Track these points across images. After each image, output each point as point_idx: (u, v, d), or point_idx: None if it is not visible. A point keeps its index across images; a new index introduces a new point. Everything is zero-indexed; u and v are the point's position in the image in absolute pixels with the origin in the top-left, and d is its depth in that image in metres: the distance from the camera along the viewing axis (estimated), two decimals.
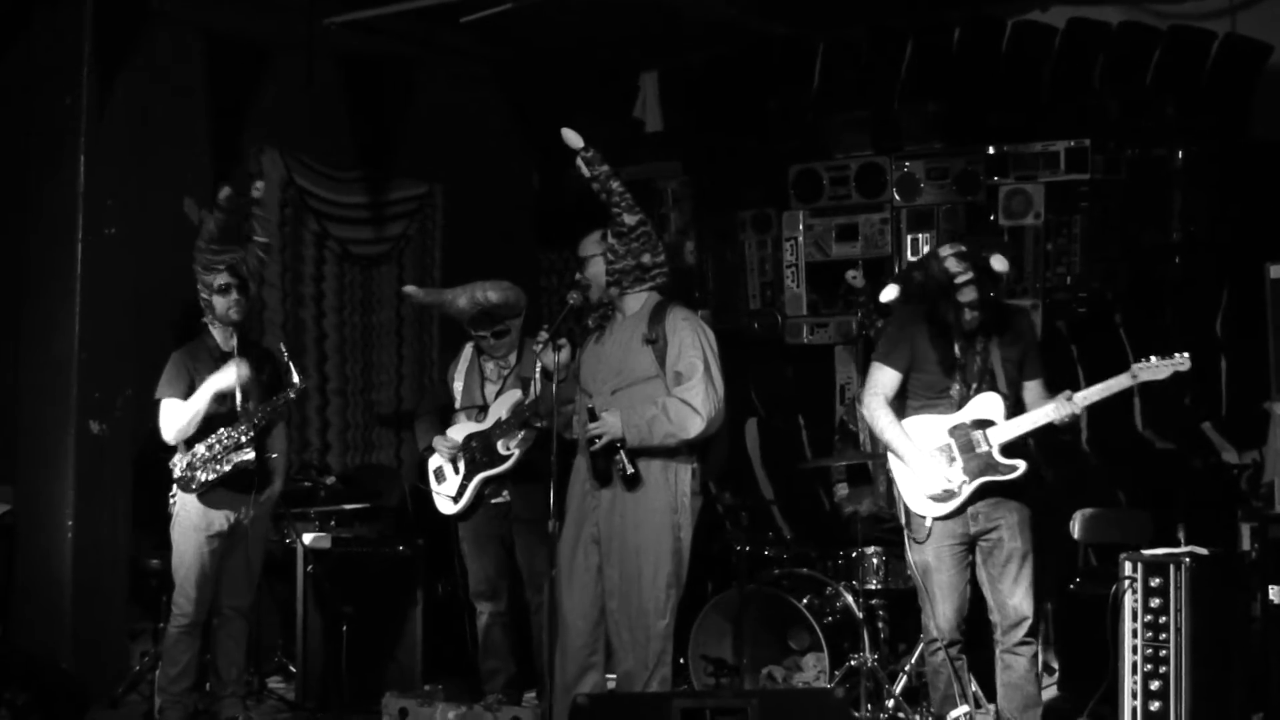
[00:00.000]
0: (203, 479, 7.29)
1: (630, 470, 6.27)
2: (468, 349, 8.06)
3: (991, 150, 9.01)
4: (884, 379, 6.76)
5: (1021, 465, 6.53)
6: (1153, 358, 6.47)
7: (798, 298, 9.76)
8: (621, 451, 6.27)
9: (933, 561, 6.69)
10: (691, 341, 6.39)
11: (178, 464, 7.36)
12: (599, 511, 6.37)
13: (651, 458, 6.31)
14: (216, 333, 7.42)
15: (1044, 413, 6.52)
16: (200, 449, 7.32)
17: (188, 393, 7.31)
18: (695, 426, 6.31)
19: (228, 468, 7.28)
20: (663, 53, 10.51)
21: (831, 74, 9.91)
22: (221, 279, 7.29)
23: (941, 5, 9.45)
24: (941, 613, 6.68)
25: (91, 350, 8.17)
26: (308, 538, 8.39)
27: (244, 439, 7.30)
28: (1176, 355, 6.44)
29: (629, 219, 6.45)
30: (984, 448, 6.56)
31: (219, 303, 7.34)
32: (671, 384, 6.36)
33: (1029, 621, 6.56)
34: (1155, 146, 8.74)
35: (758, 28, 9.93)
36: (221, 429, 7.31)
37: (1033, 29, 9.18)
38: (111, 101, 8.33)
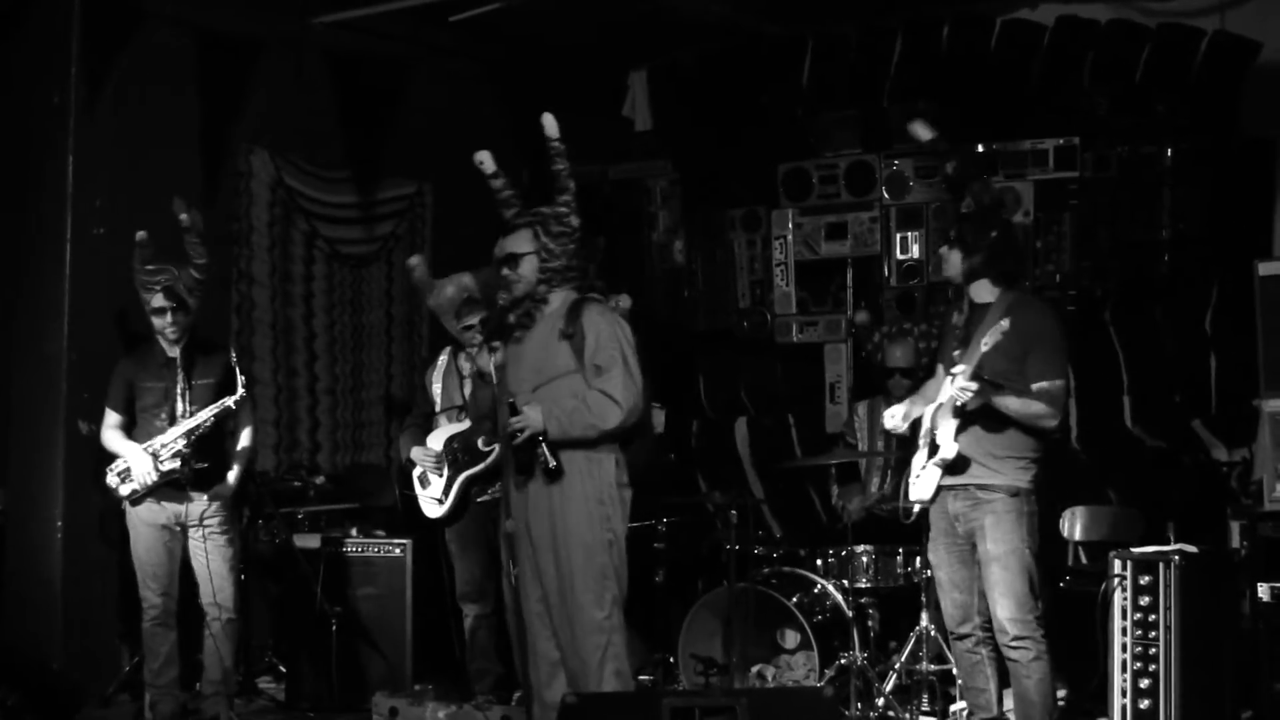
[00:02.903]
0: (128, 490, 7.43)
1: (553, 463, 6.26)
2: (444, 354, 8.07)
3: (981, 148, 9.02)
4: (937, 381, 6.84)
5: (948, 450, 6.46)
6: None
7: (787, 296, 9.79)
8: (544, 444, 6.27)
9: (932, 559, 6.80)
10: (609, 335, 6.38)
11: (109, 473, 7.49)
12: (527, 509, 6.37)
13: (574, 449, 6.31)
14: (162, 341, 7.54)
15: (944, 396, 6.49)
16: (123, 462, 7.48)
17: (125, 402, 7.54)
18: (614, 417, 6.30)
19: (155, 478, 7.39)
20: (652, 51, 10.51)
21: (821, 72, 9.91)
22: (157, 300, 7.42)
23: (931, 3, 9.45)
24: (944, 607, 6.81)
25: (80, 351, 8.17)
26: (298, 538, 8.39)
27: (178, 446, 7.37)
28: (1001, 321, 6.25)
29: (575, 221, 6.49)
30: (933, 431, 6.61)
31: (156, 322, 7.47)
32: (590, 377, 6.35)
33: (1010, 628, 6.50)
34: (1144, 144, 8.75)
35: (747, 25, 9.93)
36: (157, 438, 7.42)
37: (1022, 27, 9.18)
38: (100, 101, 8.32)
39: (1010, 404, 6.41)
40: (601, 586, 6.30)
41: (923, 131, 6.88)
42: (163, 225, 8.68)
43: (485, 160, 6.49)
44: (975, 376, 6.32)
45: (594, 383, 6.33)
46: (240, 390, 7.39)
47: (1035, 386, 6.43)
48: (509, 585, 6.31)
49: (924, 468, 6.63)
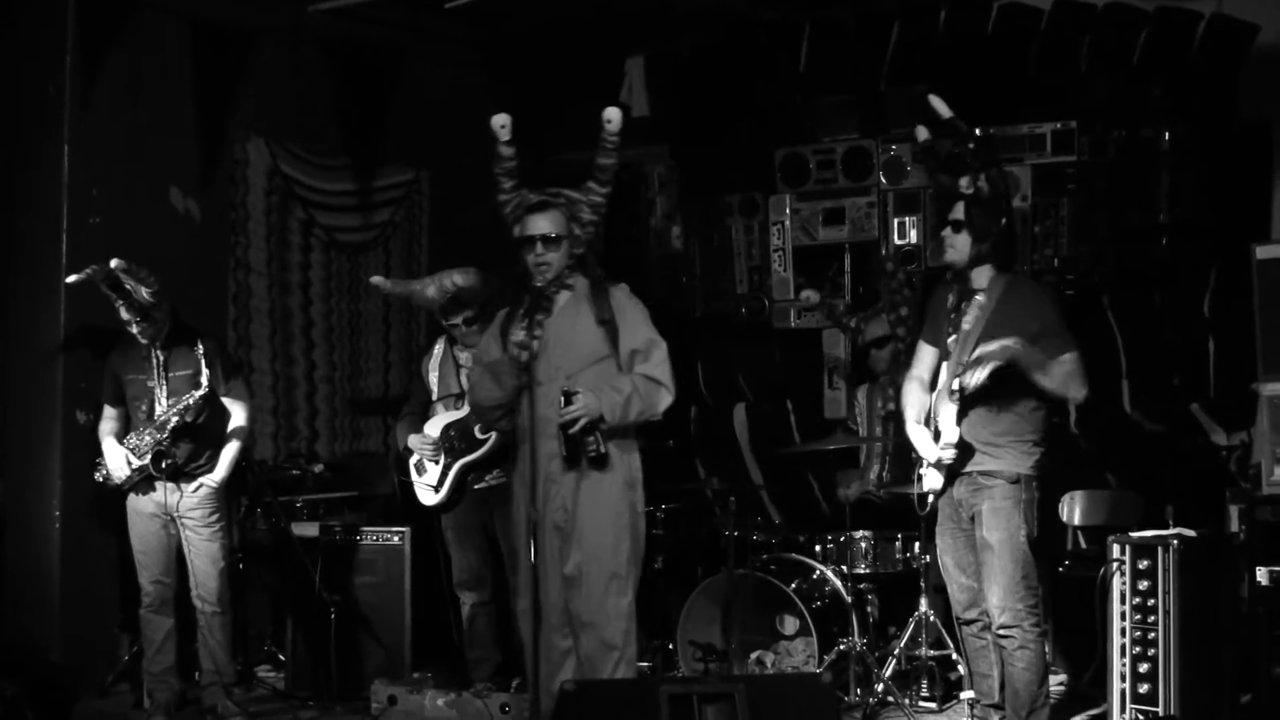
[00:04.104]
0: (113, 484, 7.54)
1: (603, 450, 6.24)
2: (440, 343, 8.07)
3: (978, 132, 8.97)
4: (919, 354, 6.83)
5: (950, 435, 6.44)
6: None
7: (785, 282, 9.76)
8: (597, 432, 6.23)
9: (939, 544, 6.78)
10: (642, 319, 6.42)
11: (97, 466, 7.61)
12: (561, 496, 6.31)
13: (609, 438, 6.29)
14: None
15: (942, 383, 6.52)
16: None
17: (116, 395, 7.61)
18: (664, 401, 6.35)
19: (127, 473, 7.48)
20: (649, 37, 10.48)
21: (817, 57, 9.89)
22: (123, 313, 7.43)
23: None
24: (950, 592, 6.80)
25: (77, 340, 8.16)
26: (296, 526, 8.39)
27: (154, 441, 7.44)
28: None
29: (604, 213, 6.47)
30: (939, 417, 6.59)
31: (131, 328, 7.48)
32: (628, 363, 6.35)
33: (998, 616, 6.49)
34: (1142, 128, 8.71)
35: (744, 11, 9.91)
36: (131, 434, 7.51)
37: (1019, 10, 9.16)
38: (96, 90, 8.32)
39: (1033, 359, 6.34)
40: (626, 571, 6.32)
41: (943, 108, 6.78)
42: (158, 214, 8.72)
43: (506, 125, 6.33)
44: (978, 360, 6.32)
45: (638, 368, 6.33)
46: (205, 384, 7.39)
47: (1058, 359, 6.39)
48: (528, 575, 6.21)
49: (938, 453, 6.58)
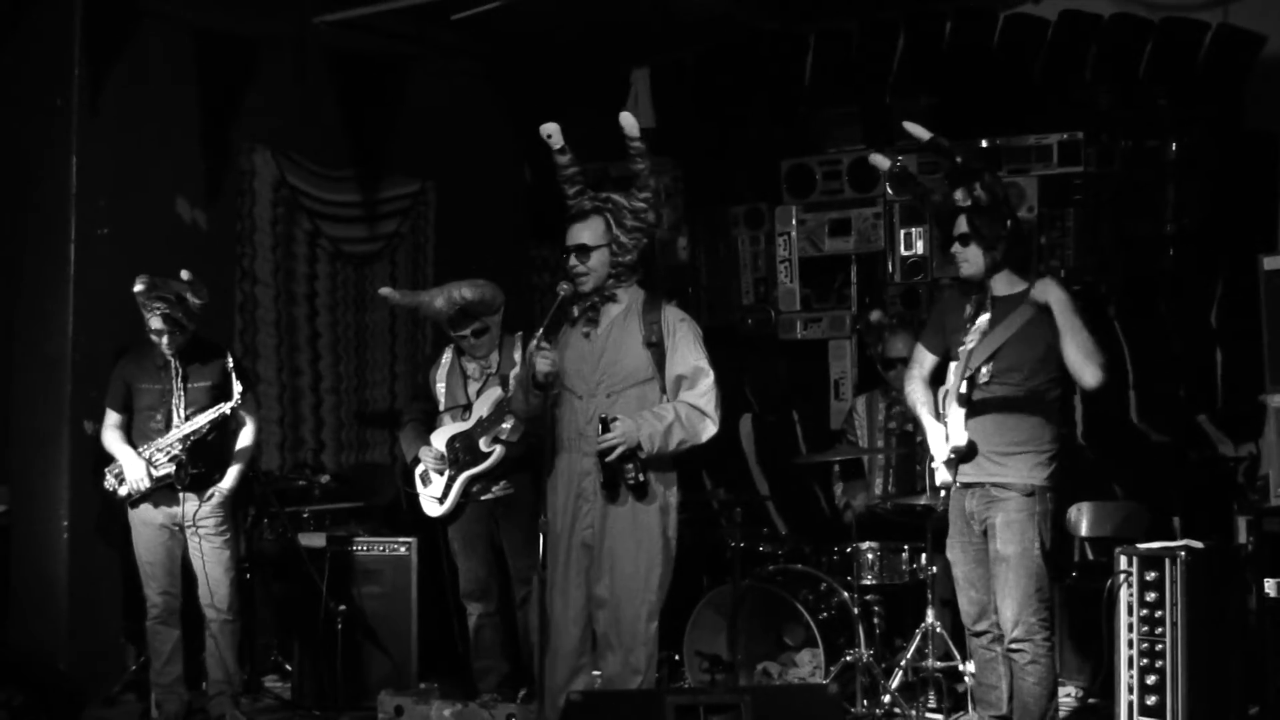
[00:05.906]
0: (125, 493, 7.52)
1: (642, 478, 6.15)
2: (447, 352, 8.06)
3: (984, 143, 8.99)
4: (918, 356, 6.77)
5: (958, 438, 6.41)
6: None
7: (791, 293, 9.78)
8: (636, 459, 6.13)
9: (950, 556, 6.71)
10: (692, 344, 6.27)
11: (107, 474, 7.58)
12: (593, 515, 6.25)
13: (648, 465, 6.20)
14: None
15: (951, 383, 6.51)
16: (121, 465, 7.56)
17: (124, 402, 7.63)
18: (707, 432, 6.24)
19: (149, 484, 7.47)
20: (654, 48, 10.50)
21: (823, 68, 9.90)
22: (155, 323, 7.43)
23: None
24: (960, 604, 6.71)
25: (85, 350, 8.17)
26: (302, 537, 8.39)
27: (174, 451, 7.46)
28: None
29: (652, 218, 6.34)
30: (947, 419, 6.54)
31: (154, 339, 7.50)
32: (672, 388, 6.25)
33: (1009, 629, 6.42)
34: (1148, 138, 8.72)
35: (749, 22, 9.92)
36: (152, 443, 7.51)
37: (1024, 21, 9.18)
38: (102, 102, 8.31)
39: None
40: (655, 598, 6.29)
41: (920, 131, 6.76)
42: (165, 225, 8.72)
43: (554, 134, 6.25)
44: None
45: (683, 395, 6.23)
46: (236, 397, 7.41)
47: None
48: (539, 583, 6.20)
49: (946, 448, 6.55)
